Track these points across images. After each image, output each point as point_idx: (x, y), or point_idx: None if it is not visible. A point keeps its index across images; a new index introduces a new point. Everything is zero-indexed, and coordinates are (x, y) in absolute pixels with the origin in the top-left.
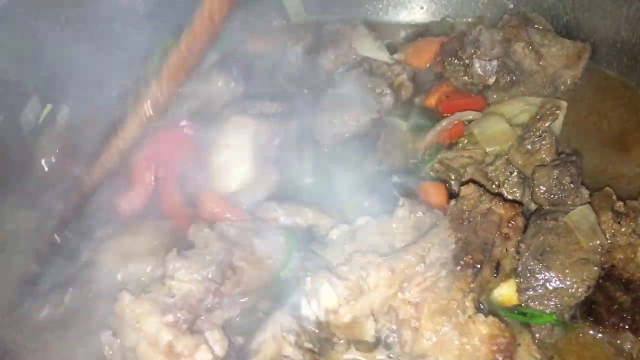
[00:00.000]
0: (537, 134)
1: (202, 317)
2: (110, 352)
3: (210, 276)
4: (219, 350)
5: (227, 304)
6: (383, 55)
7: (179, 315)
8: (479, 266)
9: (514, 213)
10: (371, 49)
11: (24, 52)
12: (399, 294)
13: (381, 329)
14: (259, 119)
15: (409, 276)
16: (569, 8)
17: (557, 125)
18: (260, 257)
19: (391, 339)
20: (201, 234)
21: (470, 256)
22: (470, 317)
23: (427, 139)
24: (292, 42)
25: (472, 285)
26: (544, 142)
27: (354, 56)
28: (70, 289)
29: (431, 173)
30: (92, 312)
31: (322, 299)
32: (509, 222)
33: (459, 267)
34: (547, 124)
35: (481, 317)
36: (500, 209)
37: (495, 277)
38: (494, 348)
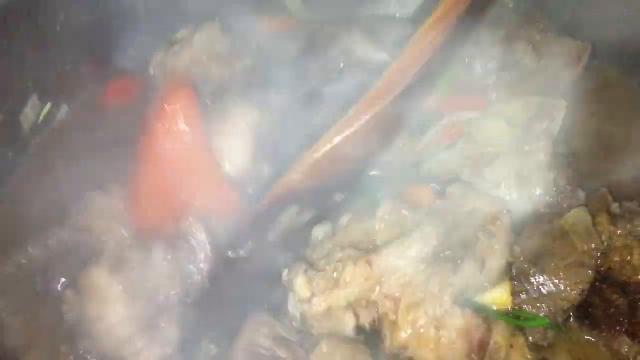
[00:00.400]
0: (536, 135)
1: (163, 311)
2: (66, 310)
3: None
4: (172, 345)
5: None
6: (382, 57)
7: (144, 307)
8: (459, 262)
9: (498, 211)
10: (369, 51)
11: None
12: (378, 288)
13: (363, 324)
14: (262, 109)
15: (388, 271)
16: (570, 8)
17: (556, 125)
18: None
19: (372, 333)
20: (194, 231)
21: (450, 251)
22: (446, 310)
23: (425, 139)
24: (288, 42)
25: (450, 280)
26: (542, 143)
27: (351, 58)
28: None
29: (429, 172)
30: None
31: (295, 289)
32: (493, 219)
33: (439, 262)
34: (545, 125)
35: (457, 310)
36: (485, 207)
37: (481, 274)
38: (469, 341)
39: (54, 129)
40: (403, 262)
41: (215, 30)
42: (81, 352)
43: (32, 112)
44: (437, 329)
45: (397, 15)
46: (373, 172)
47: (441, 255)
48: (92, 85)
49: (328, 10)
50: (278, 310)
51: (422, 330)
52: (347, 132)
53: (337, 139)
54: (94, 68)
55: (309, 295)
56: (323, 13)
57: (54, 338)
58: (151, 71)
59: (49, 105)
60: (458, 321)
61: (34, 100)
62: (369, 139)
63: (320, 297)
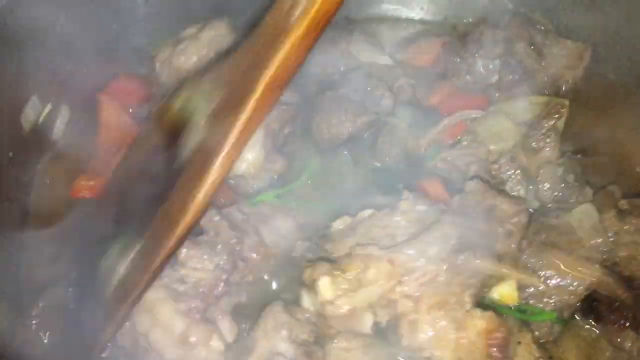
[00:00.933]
0: (542, 132)
1: (213, 305)
2: (121, 335)
3: (221, 265)
4: (230, 337)
5: (234, 291)
6: (383, 59)
7: (191, 304)
8: (479, 261)
9: (518, 209)
10: (371, 55)
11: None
12: (398, 288)
13: (380, 322)
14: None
15: (408, 270)
16: (570, 8)
17: (560, 124)
18: (268, 247)
19: (389, 331)
20: (212, 221)
21: (471, 250)
22: (467, 311)
23: (429, 136)
24: None
25: (471, 281)
26: (548, 140)
27: (352, 60)
28: None
29: (434, 170)
30: None
31: (320, 290)
32: (512, 217)
33: (460, 262)
34: (552, 122)
35: (478, 311)
36: (504, 205)
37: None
38: (490, 342)
39: None
40: (424, 261)
41: (223, 28)
42: None
43: (32, 112)
44: (458, 330)
45: (394, 20)
46: (376, 164)
47: (461, 257)
48: (93, 85)
49: None
50: (292, 304)
51: (442, 332)
52: None
53: None
54: (96, 68)
55: (334, 297)
56: None
57: None
58: (157, 67)
59: (49, 106)
60: (479, 322)
61: (34, 100)
62: None
63: (344, 298)
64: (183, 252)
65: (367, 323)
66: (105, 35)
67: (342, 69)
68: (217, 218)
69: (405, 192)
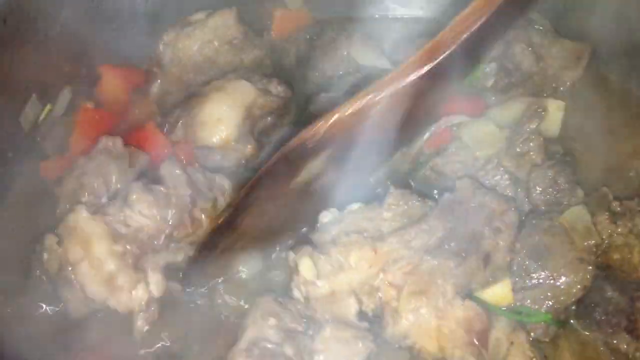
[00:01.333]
0: (525, 136)
1: (148, 255)
2: (47, 257)
3: (169, 218)
4: (156, 291)
5: (173, 248)
6: (382, 63)
7: (128, 247)
8: (463, 254)
9: (506, 207)
10: (370, 59)
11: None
12: (381, 275)
13: (366, 310)
14: (261, 92)
15: (392, 259)
16: (570, 8)
17: (556, 125)
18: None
19: (375, 320)
20: (173, 173)
21: (455, 243)
22: (448, 301)
23: (416, 145)
24: (289, 45)
25: (454, 272)
26: (532, 144)
27: (351, 63)
28: None
29: (424, 181)
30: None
31: (301, 271)
32: (500, 215)
33: (443, 253)
34: (534, 125)
35: (459, 300)
36: (493, 203)
37: (484, 268)
38: (469, 331)
39: None
40: (408, 252)
41: (231, 17)
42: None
43: (32, 112)
44: (439, 318)
45: (393, 20)
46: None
47: (446, 247)
48: (92, 85)
49: (328, 10)
50: (284, 296)
51: (423, 319)
52: (402, 81)
53: (395, 85)
54: (95, 67)
55: (313, 277)
56: (323, 13)
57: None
58: (160, 48)
59: (49, 106)
60: (459, 311)
61: (34, 100)
62: (413, 102)
63: (324, 279)
64: (134, 195)
65: (351, 309)
66: (106, 34)
67: (340, 72)
68: (178, 171)
69: (392, 187)
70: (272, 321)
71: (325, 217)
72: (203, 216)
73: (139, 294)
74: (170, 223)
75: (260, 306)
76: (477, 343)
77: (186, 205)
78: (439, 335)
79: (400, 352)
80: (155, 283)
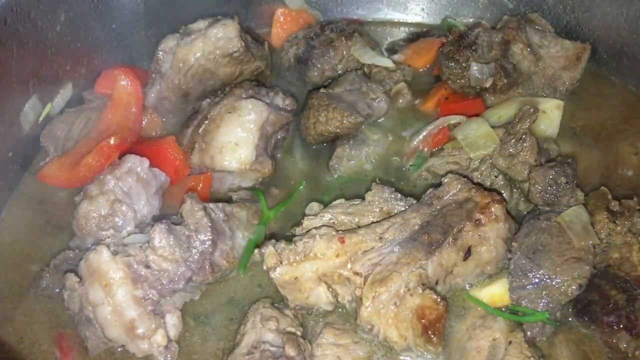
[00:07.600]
0: (517, 136)
1: (167, 298)
2: (68, 295)
3: (190, 263)
4: (174, 334)
5: (190, 288)
6: (384, 61)
7: (148, 293)
8: (434, 247)
9: (488, 200)
10: (371, 57)
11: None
12: (349, 265)
13: (342, 301)
14: (272, 109)
15: (362, 250)
16: (569, 9)
17: (555, 125)
18: (238, 254)
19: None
20: (195, 216)
21: (426, 235)
22: (409, 290)
23: (412, 145)
24: (288, 45)
25: (421, 263)
26: (525, 145)
27: (350, 63)
28: None
29: (420, 182)
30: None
31: (264, 259)
32: (482, 208)
33: (414, 245)
34: (526, 126)
35: (419, 290)
36: (477, 197)
37: (464, 261)
38: (422, 319)
39: None
40: (378, 243)
41: (233, 30)
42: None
43: (32, 112)
44: (396, 306)
45: (393, 20)
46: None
47: (418, 239)
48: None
49: (328, 11)
50: (281, 303)
51: (381, 306)
52: None
53: None
54: (95, 64)
55: (274, 263)
56: (323, 13)
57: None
58: (160, 55)
59: (49, 105)
60: (415, 300)
61: (34, 100)
62: None
63: (285, 266)
64: (157, 238)
65: (322, 298)
66: (105, 34)
67: (339, 71)
68: (200, 213)
69: (374, 184)
70: (271, 325)
71: (308, 210)
72: (224, 262)
73: (157, 340)
74: (191, 268)
75: (259, 311)
76: (429, 333)
77: (207, 251)
78: (397, 323)
79: None
80: (174, 325)
